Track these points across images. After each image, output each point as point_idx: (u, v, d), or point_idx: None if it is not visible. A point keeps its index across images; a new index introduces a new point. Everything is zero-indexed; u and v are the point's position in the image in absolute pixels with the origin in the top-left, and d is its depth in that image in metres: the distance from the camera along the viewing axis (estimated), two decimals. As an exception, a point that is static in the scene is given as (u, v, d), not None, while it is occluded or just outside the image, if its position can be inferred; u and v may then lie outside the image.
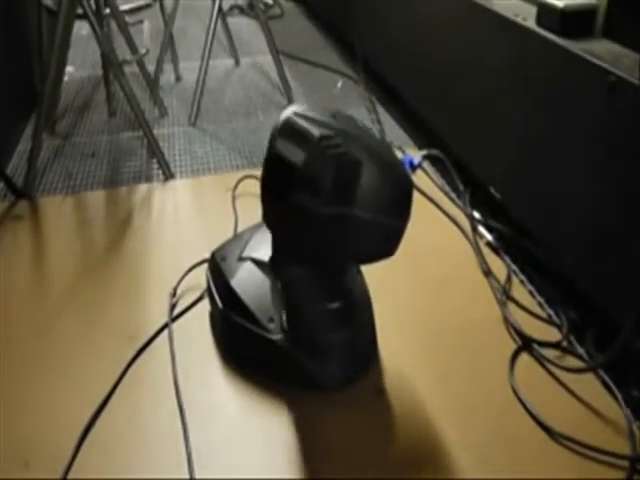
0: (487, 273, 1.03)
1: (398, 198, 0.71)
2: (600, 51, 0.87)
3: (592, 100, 0.86)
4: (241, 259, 0.89)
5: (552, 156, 0.98)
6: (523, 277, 1.04)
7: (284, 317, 0.80)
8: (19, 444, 0.74)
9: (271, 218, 0.75)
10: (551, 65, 0.95)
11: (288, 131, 0.69)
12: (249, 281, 0.86)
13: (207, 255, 0.95)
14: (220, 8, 1.66)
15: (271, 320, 0.82)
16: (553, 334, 0.91)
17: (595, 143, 0.87)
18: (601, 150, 0.86)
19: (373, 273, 0.90)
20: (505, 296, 0.98)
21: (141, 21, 2.30)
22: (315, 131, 0.67)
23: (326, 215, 0.68)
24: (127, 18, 1.77)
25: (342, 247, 0.72)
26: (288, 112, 0.71)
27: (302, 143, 0.68)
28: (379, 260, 0.74)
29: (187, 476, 0.70)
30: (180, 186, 1.31)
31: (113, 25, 1.62)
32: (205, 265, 0.96)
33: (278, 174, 0.70)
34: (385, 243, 0.72)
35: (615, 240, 0.86)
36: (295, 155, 0.68)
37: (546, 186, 1.01)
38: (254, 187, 1.25)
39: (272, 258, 0.80)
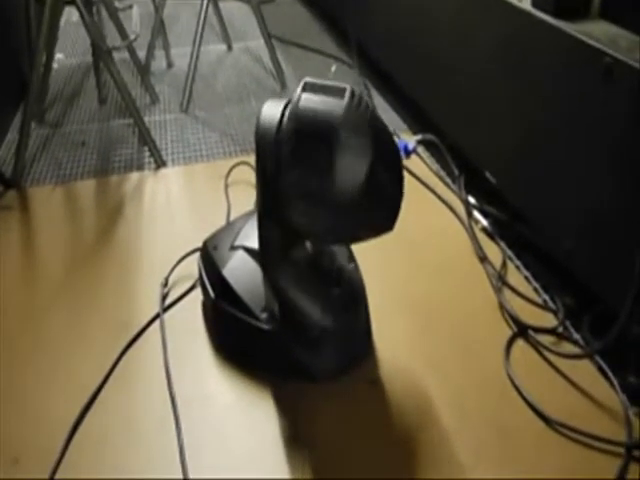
0: (482, 259, 1.02)
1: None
2: (596, 32, 0.85)
3: (588, 82, 0.84)
4: (233, 248, 0.88)
5: (549, 140, 0.96)
6: (519, 263, 1.03)
7: (277, 307, 0.79)
8: (8, 441, 0.73)
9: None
10: (547, 47, 0.93)
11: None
12: (241, 270, 0.85)
13: (199, 244, 0.94)
14: (211, -8, 1.64)
15: (264, 310, 0.81)
16: (549, 320, 0.91)
17: (592, 126, 0.86)
18: (598, 133, 0.85)
19: (367, 259, 0.89)
20: (500, 282, 0.97)
21: (130, 6, 2.27)
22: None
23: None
24: (117, 4, 1.73)
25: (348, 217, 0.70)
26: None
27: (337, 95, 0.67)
28: (379, 234, 0.73)
29: (180, 469, 0.70)
30: (172, 174, 1.30)
31: (103, 12, 1.59)
32: (197, 254, 0.95)
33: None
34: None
35: (612, 225, 0.85)
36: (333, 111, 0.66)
37: (543, 170, 0.99)
38: (247, 174, 1.24)
39: (262, 250, 0.79)
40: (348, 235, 0.75)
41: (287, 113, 0.68)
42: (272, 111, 0.70)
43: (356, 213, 0.69)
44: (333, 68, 1.80)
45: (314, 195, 0.67)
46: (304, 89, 0.68)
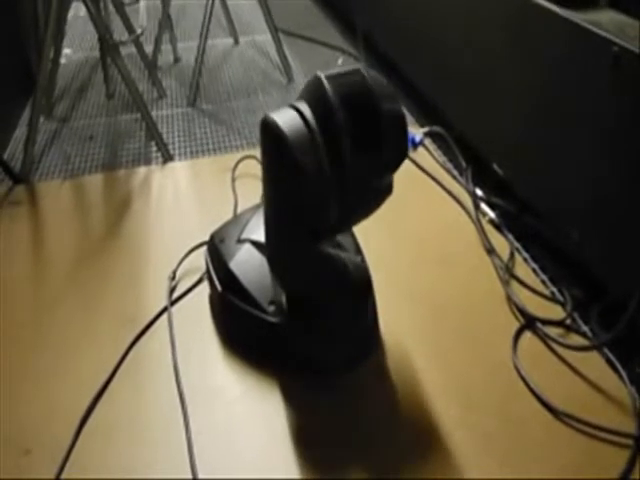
0: (490, 251, 1.02)
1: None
2: (604, 21, 0.84)
3: (597, 72, 0.84)
4: (240, 241, 0.88)
5: (557, 130, 0.96)
6: (526, 255, 1.03)
7: (284, 299, 0.79)
8: (20, 432, 0.74)
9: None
10: (555, 37, 0.92)
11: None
12: (248, 263, 0.85)
13: (206, 237, 0.94)
14: (217, -14, 1.64)
15: (271, 303, 0.81)
16: (557, 312, 0.90)
17: (600, 116, 0.85)
18: (606, 123, 0.84)
19: (375, 252, 0.89)
20: (508, 274, 0.97)
21: (137, 1, 2.27)
22: None
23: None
24: (123, -2, 1.74)
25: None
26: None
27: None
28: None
29: (187, 462, 0.70)
30: (179, 168, 1.30)
31: (110, 6, 1.59)
32: (204, 247, 0.95)
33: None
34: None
35: (621, 216, 0.84)
36: None
37: (550, 162, 0.99)
38: (254, 168, 1.24)
39: (268, 243, 0.79)
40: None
41: (330, 102, 0.68)
42: (288, 116, 0.70)
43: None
44: (340, 61, 1.80)
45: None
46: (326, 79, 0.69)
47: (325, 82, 0.67)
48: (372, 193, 0.73)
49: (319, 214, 0.70)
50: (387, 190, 0.73)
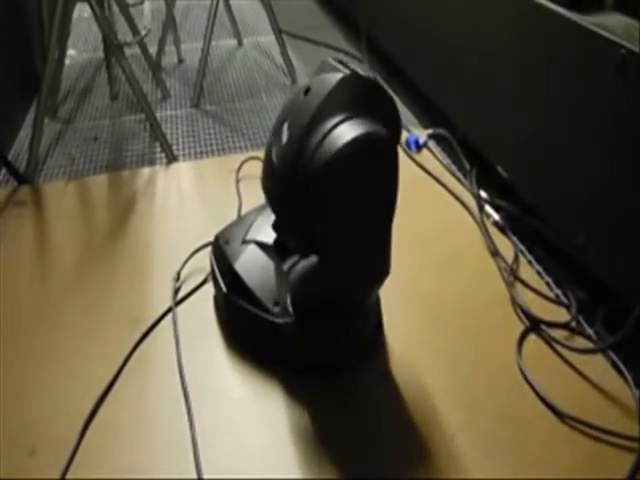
0: (494, 253, 1.02)
1: None
2: (611, 24, 0.84)
3: (603, 74, 0.84)
4: (245, 242, 0.88)
5: (562, 133, 0.96)
6: (531, 257, 1.03)
7: (289, 300, 0.79)
8: (24, 432, 0.74)
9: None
10: (561, 39, 0.92)
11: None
12: (253, 264, 0.85)
13: (211, 238, 0.94)
14: (221, -13, 1.64)
15: (276, 303, 0.81)
16: (562, 314, 0.90)
17: (606, 119, 0.85)
18: (613, 126, 0.84)
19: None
20: (512, 276, 0.97)
21: (142, 2, 2.27)
22: None
23: None
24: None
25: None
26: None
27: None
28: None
29: (192, 462, 0.70)
30: (183, 169, 1.30)
31: (115, 7, 1.59)
32: (209, 248, 0.95)
33: None
34: None
35: (626, 218, 0.84)
36: None
37: (555, 164, 0.99)
38: (258, 169, 1.23)
39: (276, 241, 0.79)
40: None
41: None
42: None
43: None
44: (344, 63, 1.80)
45: None
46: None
47: None
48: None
49: None
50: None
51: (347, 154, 0.64)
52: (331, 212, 0.68)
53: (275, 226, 0.81)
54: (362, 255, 0.74)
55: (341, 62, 0.70)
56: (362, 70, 0.69)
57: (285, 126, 0.69)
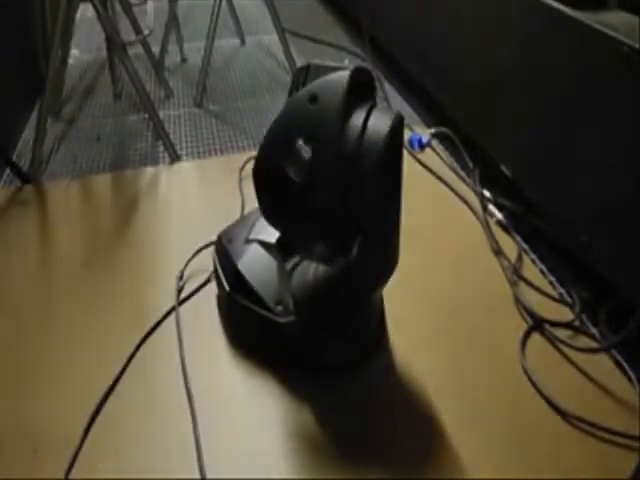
0: (497, 252, 1.01)
1: None
2: (615, 22, 0.84)
3: (607, 72, 0.83)
4: (248, 241, 0.88)
5: (566, 131, 0.95)
6: (534, 256, 1.02)
7: (292, 300, 0.79)
8: (27, 431, 0.74)
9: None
10: (565, 38, 0.92)
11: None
12: (256, 263, 0.85)
13: (214, 238, 0.94)
14: (224, -14, 1.64)
15: (278, 303, 0.81)
16: (565, 314, 0.90)
17: (611, 117, 0.85)
18: (617, 124, 0.84)
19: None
20: (516, 275, 0.96)
21: (145, 1, 2.27)
22: None
23: None
24: (131, -1, 1.75)
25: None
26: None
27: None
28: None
29: (196, 461, 0.70)
30: (186, 168, 1.30)
31: (118, 7, 1.59)
32: (212, 248, 0.95)
33: None
34: None
35: (630, 217, 0.84)
36: None
37: (558, 162, 0.98)
38: (261, 168, 1.24)
39: (279, 240, 0.79)
40: None
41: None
42: None
43: None
44: (346, 61, 1.80)
45: None
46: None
47: None
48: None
49: None
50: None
51: (390, 141, 0.66)
52: (379, 201, 0.69)
53: (293, 236, 0.78)
54: (392, 245, 0.76)
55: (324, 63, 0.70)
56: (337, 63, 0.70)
57: (300, 141, 0.68)
